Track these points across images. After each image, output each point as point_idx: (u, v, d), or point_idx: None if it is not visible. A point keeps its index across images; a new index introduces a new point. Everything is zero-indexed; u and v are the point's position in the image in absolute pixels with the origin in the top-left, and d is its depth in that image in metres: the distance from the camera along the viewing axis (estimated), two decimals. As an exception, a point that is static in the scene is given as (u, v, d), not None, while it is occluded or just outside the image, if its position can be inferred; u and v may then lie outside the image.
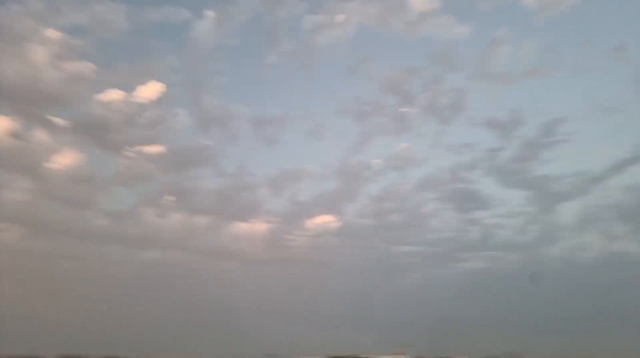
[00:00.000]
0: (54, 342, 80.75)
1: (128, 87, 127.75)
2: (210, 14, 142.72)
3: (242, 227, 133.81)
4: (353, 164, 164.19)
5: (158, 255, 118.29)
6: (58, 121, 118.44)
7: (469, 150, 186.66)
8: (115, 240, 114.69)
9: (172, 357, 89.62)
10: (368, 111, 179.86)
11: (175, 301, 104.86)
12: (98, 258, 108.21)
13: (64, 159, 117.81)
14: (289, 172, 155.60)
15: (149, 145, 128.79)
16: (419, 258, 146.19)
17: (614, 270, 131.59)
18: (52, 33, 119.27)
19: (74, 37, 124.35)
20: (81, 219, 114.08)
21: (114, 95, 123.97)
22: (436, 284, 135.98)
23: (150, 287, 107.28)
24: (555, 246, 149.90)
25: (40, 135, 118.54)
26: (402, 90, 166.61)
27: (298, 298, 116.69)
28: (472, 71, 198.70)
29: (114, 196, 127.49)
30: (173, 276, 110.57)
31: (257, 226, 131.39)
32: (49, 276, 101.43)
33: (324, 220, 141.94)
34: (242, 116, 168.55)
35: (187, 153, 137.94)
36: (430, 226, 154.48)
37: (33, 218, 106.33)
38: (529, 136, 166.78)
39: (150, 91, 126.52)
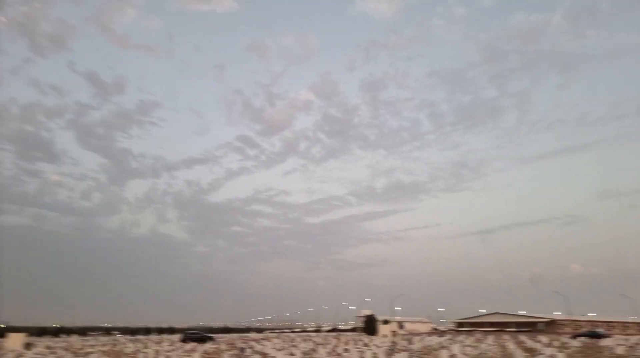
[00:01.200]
0: None
1: None
2: None
3: None
4: None
5: None
6: None
7: (55, 94, 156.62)
8: None
9: None
10: None
11: None
12: None
13: None
14: None
15: None
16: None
17: (159, 247, 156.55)
18: None
19: None
20: None
21: None
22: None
23: None
24: (115, 218, 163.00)
25: None
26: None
27: None
28: (93, 13, 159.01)
29: None
30: None
31: None
32: None
33: None
34: None
35: None
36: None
37: None
38: (127, 107, 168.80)
39: None
